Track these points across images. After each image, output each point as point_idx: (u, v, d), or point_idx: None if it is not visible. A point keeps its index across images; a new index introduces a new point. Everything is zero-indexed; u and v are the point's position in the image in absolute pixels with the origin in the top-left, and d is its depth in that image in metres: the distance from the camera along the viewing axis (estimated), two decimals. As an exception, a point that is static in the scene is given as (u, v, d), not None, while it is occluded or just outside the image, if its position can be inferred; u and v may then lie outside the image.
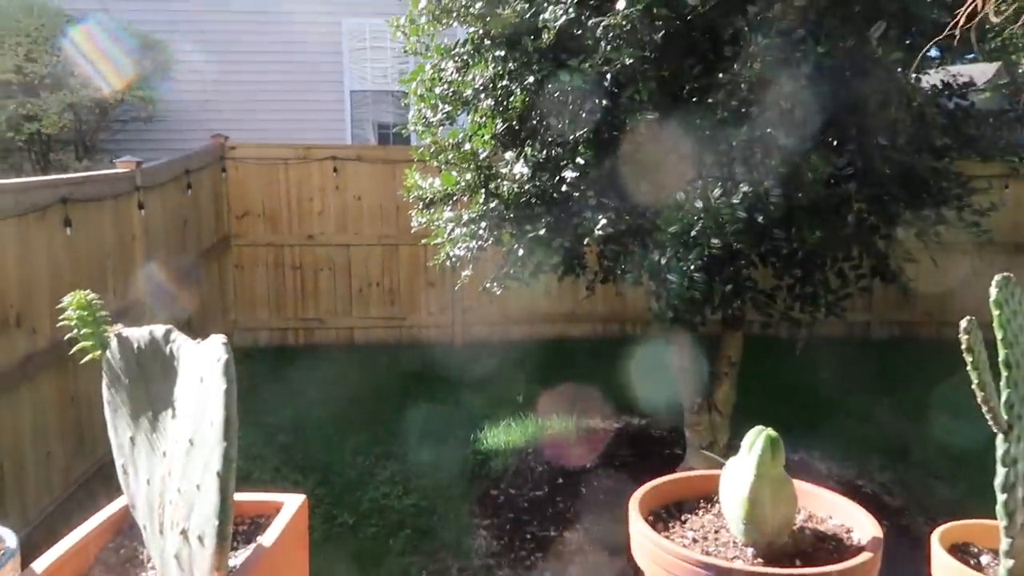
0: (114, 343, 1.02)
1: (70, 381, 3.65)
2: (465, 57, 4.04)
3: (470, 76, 4.09)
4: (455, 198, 4.37)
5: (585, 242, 3.95)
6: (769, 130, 3.37)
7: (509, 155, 4.11)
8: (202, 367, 0.90)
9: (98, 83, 6.25)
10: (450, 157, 4.26)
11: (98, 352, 1.05)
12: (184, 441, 0.91)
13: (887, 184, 3.72)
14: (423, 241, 4.47)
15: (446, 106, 4.13)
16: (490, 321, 6.18)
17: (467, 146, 4.20)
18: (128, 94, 6.49)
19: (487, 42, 3.96)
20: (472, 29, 3.98)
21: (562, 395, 4.99)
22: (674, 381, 4.42)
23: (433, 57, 4.14)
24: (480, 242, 4.19)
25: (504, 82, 3.97)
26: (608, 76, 3.74)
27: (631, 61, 3.54)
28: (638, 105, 3.71)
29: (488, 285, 4.14)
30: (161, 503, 0.96)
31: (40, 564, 0.91)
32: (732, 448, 3.77)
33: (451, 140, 4.20)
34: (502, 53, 3.93)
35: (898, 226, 3.80)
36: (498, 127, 4.14)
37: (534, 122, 4.08)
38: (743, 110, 3.43)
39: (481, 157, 4.21)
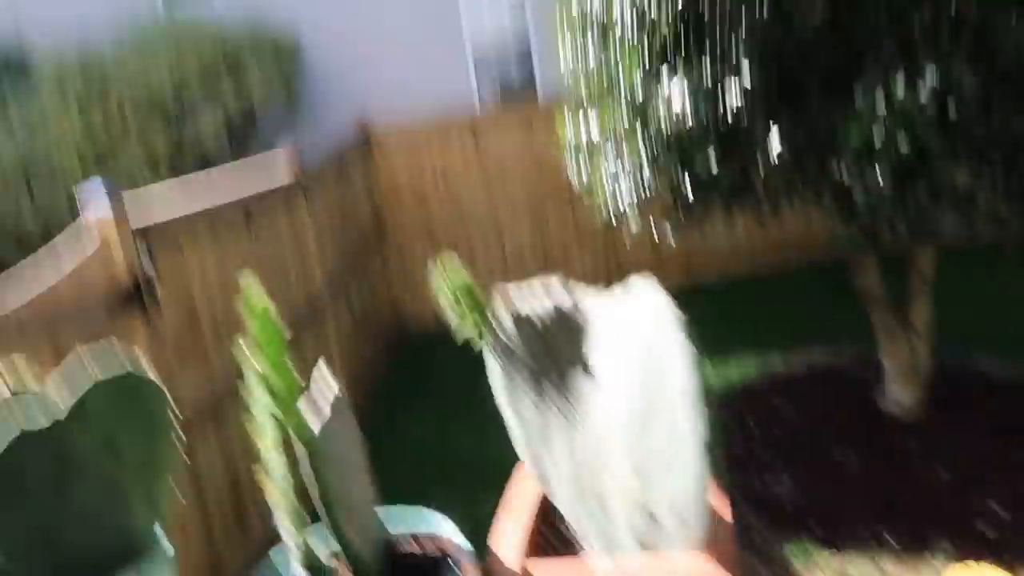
0: (503, 319, 0.95)
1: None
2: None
3: (617, 11, 3.83)
4: (611, 142, 4.15)
5: (758, 171, 3.67)
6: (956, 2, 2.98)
7: (665, 89, 3.86)
8: (641, 325, 0.81)
9: (244, 93, 6.37)
10: (602, 99, 4.03)
11: (483, 334, 0.98)
12: (625, 412, 0.83)
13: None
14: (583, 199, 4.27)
15: (594, 44, 3.89)
16: (646, 271, 5.98)
17: (621, 83, 3.96)
18: (272, 98, 6.58)
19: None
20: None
21: (742, 338, 4.75)
22: (863, 307, 4.11)
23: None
24: (646, 191, 3.97)
25: (653, 12, 3.70)
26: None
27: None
28: (807, 3, 3.36)
29: (661, 234, 3.94)
30: (594, 481, 0.88)
31: (503, 547, 0.86)
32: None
33: (608, 77, 3.97)
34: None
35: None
36: (645, 55, 3.87)
37: (685, 44, 3.80)
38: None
39: (636, 95, 3.97)
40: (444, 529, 0.93)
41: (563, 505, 0.89)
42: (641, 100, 3.90)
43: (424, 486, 3.61)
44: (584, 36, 4.02)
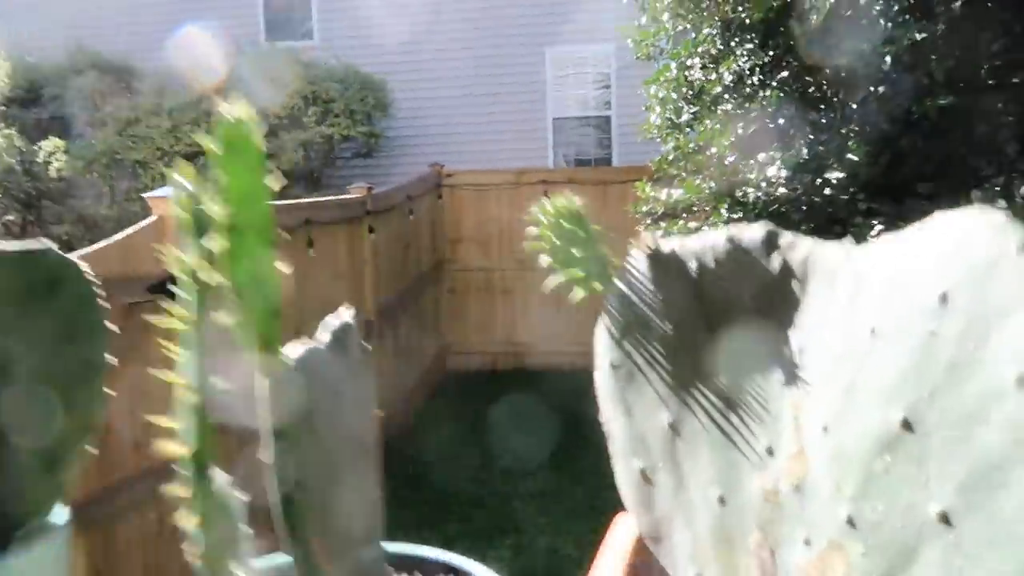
0: (639, 265, 0.56)
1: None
2: (712, 51, 3.54)
3: (716, 75, 3.58)
4: (695, 209, 3.84)
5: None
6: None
7: (762, 157, 3.55)
8: (935, 277, 0.41)
9: (328, 122, 6.29)
10: (689, 165, 3.74)
11: (597, 288, 0.59)
12: (871, 424, 0.42)
13: None
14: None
15: (691, 107, 3.64)
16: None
17: (712, 150, 3.67)
18: (353, 130, 6.50)
19: (737, 34, 3.44)
20: (719, 20, 3.47)
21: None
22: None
23: (680, 55, 3.66)
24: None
25: (756, 77, 3.43)
26: (887, 58, 3.10)
27: (921, 37, 2.89)
28: (926, 89, 3.03)
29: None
30: (769, 539, 0.46)
31: None
32: None
33: (697, 143, 3.68)
34: (754, 44, 3.39)
35: None
36: (742, 129, 3.58)
37: (788, 120, 3.50)
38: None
39: (726, 163, 3.66)
40: (476, 574, 0.52)
41: (685, 573, 0.46)
42: (734, 169, 3.60)
43: (442, 528, 3.35)
44: (677, 104, 3.77)
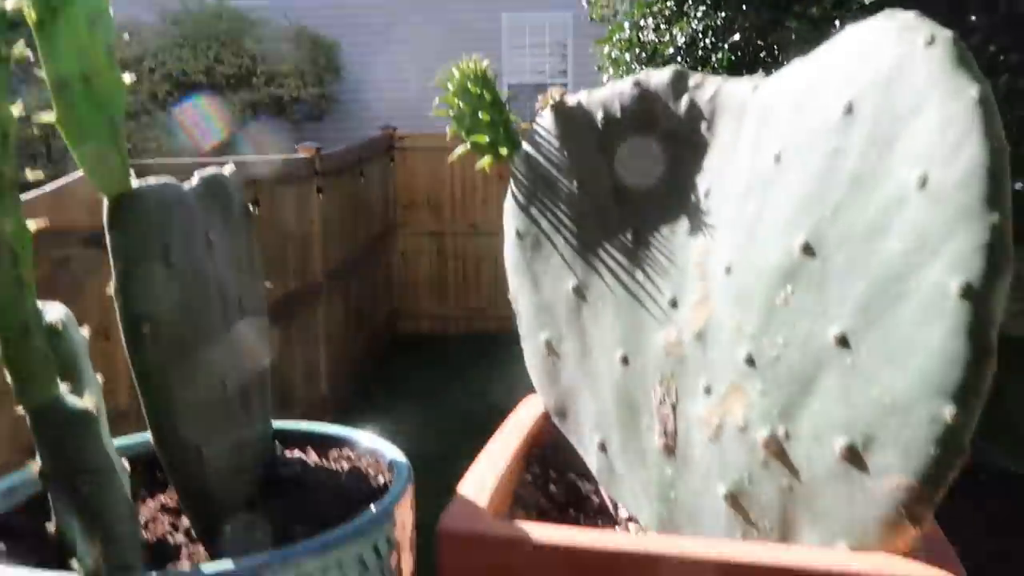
0: (546, 123, 0.52)
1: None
2: (666, 12, 3.51)
3: (669, 36, 3.55)
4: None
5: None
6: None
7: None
8: (841, 89, 0.37)
9: (277, 82, 6.11)
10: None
11: (503, 154, 0.55)
12: (772, 256, 0.39)
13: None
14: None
15: (644, 68, 3.61)
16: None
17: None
18: (303, 92, 6.32)
19: (692, -5, 3.42)
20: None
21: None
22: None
23: (634, 15, 3.62)
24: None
25: (709, 39, 3.41)
26: (837, 23, 3.11)
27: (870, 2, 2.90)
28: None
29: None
30: (670, 394, 0.43)
31: (472, 495, 0.41)
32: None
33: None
34: (707, 6, 3.37)
35: None
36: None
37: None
38: None
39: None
40: (375, 448, 0.48)
41: (590, 443, 0.43)
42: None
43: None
44: (630, 66, 3.74)
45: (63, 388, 0.32)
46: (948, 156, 0.33)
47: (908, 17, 0.35)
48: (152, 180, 0.41)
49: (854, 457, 0.35)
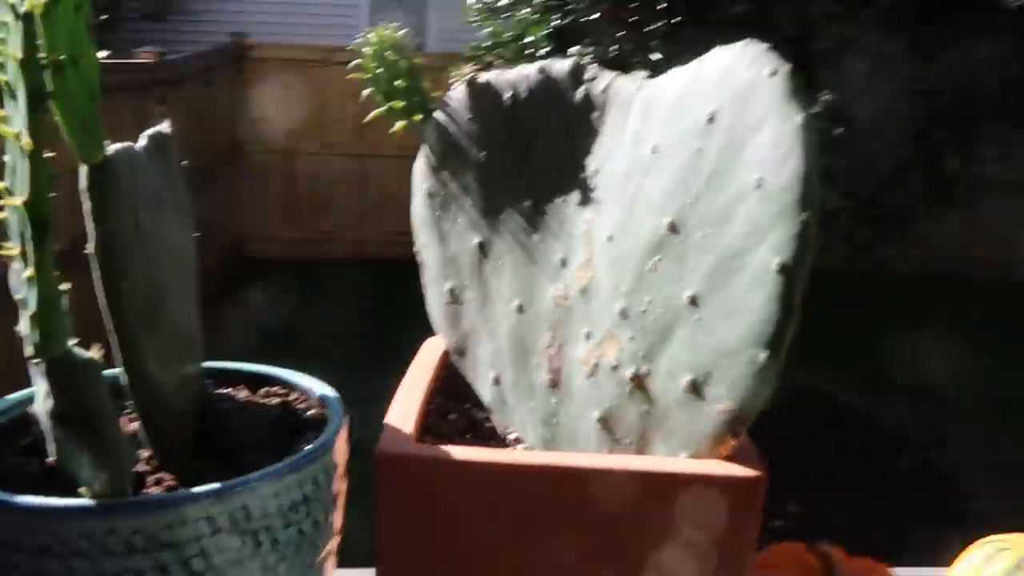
0: (458, 96, 0.60)
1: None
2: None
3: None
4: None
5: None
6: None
7: (573, 50, 3.65)
8: (706, 101, 0.48)
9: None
10: (507, 54, 3.77)
11: (417, 118, 0.63)
12: (645, 230, 0.50)
13: (981, 101, 3.36)
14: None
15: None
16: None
17: (528, 39, 3.72)
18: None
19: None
20: None
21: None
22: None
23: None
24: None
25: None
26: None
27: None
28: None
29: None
30: (557, 338, 0.55)
31: (399, 426, 0.51)
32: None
33: (511, 33, 3.71)
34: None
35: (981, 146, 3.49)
36: (558, 19, 3.66)
37: (602, 15, 3.61)
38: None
39: (539, 55, 3.73)
40: (303, 384, 0.56)
41: (485, 378, 0.53)
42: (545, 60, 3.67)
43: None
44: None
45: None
46: (778, 165, 0.44)
47: (760, 48, 0.46)
48: (116, 146, 0.46)
49: (696, 389, 0.47)
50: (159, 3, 6.14)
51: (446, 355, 0.64)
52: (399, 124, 0.63)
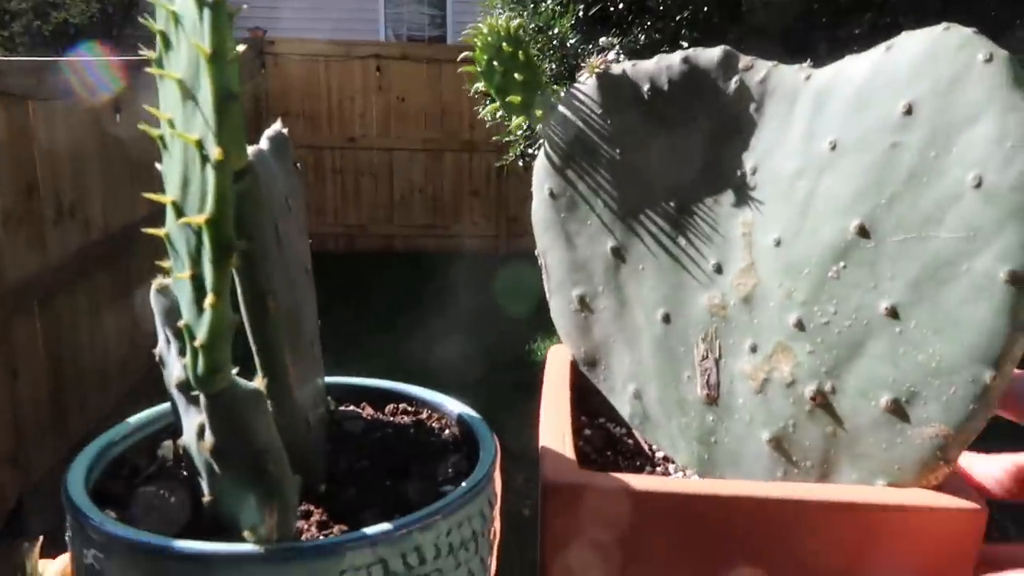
0: (587, 89, 0.55)
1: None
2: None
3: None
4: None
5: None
6: None
7: (603, 41, 3.59)
8: (901, 90, 0.43)
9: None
10: (530, 44, 3.71)
11: (538, 115, 0.58)
12: (826, 234, 0.45)
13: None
14: (494, 138, 3.93)
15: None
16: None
17: (554, 31, 3.66)
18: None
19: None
20: None
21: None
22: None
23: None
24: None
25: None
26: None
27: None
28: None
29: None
30: (713, 350, 0.50)
31: (556, 451, 0.47)
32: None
33: (538, 22, 3.64)
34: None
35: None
36: (581, 10, 3.60)
37: (627, 5, 3.55)
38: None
39: (568, 45, 3.67)
40: (434, 401, 0.52)
41: (623, 391, 0.48)
42: (575, 52, 3.61)
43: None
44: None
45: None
46: (1003, 163, 0.39)
47: (966, 32, 0.41)
48: (251, 148, 0.41)
49: (897, 409, 0.42)
50: None
51: (574, 366, 0.59)
52: (516, 121, 0.59)
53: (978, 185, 0.40)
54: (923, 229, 0.42)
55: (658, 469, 0.55)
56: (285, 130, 0.50)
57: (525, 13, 3.72)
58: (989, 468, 0.45)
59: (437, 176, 5.79)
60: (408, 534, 0.38)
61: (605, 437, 0.57)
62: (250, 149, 0.42)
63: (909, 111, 0.43)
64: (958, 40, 0.41)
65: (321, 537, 0.40)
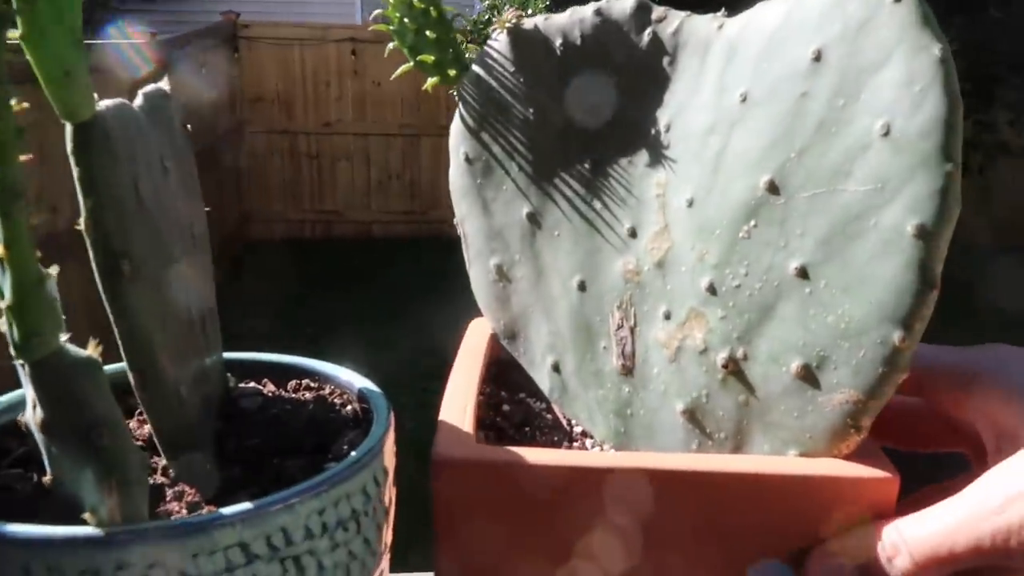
0: (499, 46, 0.52)
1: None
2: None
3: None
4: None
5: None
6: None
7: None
8: (810, 37, 0.41)
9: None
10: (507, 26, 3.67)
11: (451, 75, 0.55)
12: (736, 192, 0.43)
13: (992, 64, 3.27)
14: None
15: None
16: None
17: (528, 11, 3.62)
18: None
19: None
20: None
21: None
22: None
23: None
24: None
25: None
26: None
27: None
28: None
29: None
30: (628, 318, 0.47)
31: (455, 425, 0.44)
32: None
33: (511, 3, 3.61)
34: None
35: (998, 110, 3.41)
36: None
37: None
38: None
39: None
40: (340, 377, 0.49)
41: (542, 364, 0.46)
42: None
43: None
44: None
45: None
46: (911, 108, 0.37)
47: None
48: (107, 102, 0.38)
49: (808, 375, 0.40)
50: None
51: (494, 339, 0.57)
52: (431, 80, 0.56)
53: (886, 133, 0.37)
54: (832, 183, 0.39)
55: (575, 444, 0.52)
56: (167, 87, 0.47)
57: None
58: None
59: (415, 162, 5.74)
60: (273, 514, 0.35)
61: (524, 413, 0.54)
62: (109, 102, 0.39)
63: (818, 57, 0.40)
64: (867, -20, 0.39)
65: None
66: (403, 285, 4.87)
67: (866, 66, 0.38)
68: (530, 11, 3.28)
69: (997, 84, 3.33)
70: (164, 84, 0.47)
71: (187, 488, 0.40)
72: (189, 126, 0.50)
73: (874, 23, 0.38)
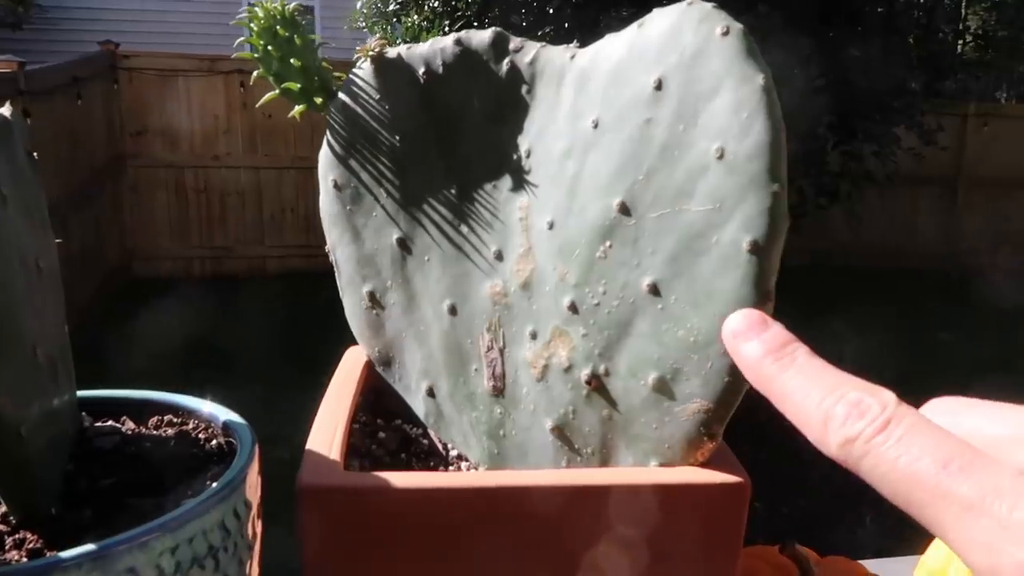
0: (364, 74, 0.53)
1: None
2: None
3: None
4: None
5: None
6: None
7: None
8: (652, 66, 0.44)
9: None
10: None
11: (317, 101, 0.56)
12: (592, 214, 0.45)
13: (856, 99, 3.54)
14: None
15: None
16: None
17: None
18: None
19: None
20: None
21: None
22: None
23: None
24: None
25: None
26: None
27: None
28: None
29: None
30: (497, 340, 0.49)
31: (322, 452, 0.44)
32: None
33: (404, 37, 3.64)
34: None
35: (862, 142, 3.67)
36: (447, 26, 3.63)
37: (491, 22, 3.61)
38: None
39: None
40: (203, 411, 0.48)
41: (417, 390, 0.46)
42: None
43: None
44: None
45: None
46: (740, 133, 0.39)
47: (707, 7, 0.42)
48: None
49: (663, 387, 0.42)
50: (14, 13, 5.71)
51: (369, 366, 0.57)
52: (297, 109, 0.56)
53: (721, 156, 0.40)
54: (677, 203, 0.42)
55: (451, 468, 0.52)
56: (6, 112, 0.45)
57: (389, 27, 3.70)
58: None
59: (309, 195, 5.64)
60: (120, 554, 0.33)
61: (400, 438, 0.54)
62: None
63: (659, 86, 0.43)
64: (699, 14, 0.42)
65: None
66: (300, 320, 4.75)
67: (702, 93, 0.41)
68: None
69: (860, 119, 3.60)
70: (4, 110, 0.45)
71: (29, 535, 0.38)
72: (59, 156, 0.48)
73: (706, 54, 0.41)
